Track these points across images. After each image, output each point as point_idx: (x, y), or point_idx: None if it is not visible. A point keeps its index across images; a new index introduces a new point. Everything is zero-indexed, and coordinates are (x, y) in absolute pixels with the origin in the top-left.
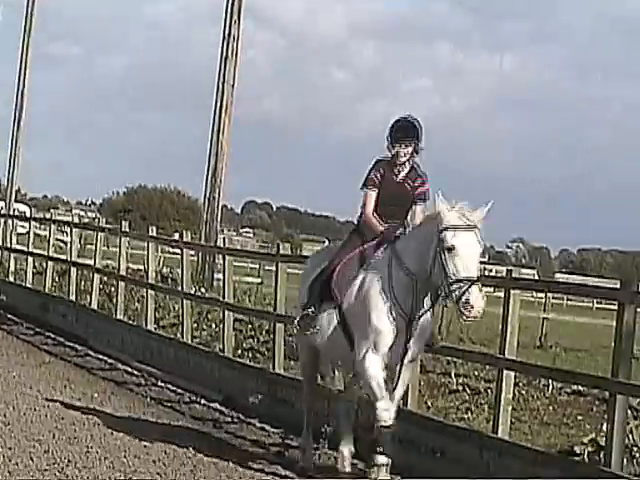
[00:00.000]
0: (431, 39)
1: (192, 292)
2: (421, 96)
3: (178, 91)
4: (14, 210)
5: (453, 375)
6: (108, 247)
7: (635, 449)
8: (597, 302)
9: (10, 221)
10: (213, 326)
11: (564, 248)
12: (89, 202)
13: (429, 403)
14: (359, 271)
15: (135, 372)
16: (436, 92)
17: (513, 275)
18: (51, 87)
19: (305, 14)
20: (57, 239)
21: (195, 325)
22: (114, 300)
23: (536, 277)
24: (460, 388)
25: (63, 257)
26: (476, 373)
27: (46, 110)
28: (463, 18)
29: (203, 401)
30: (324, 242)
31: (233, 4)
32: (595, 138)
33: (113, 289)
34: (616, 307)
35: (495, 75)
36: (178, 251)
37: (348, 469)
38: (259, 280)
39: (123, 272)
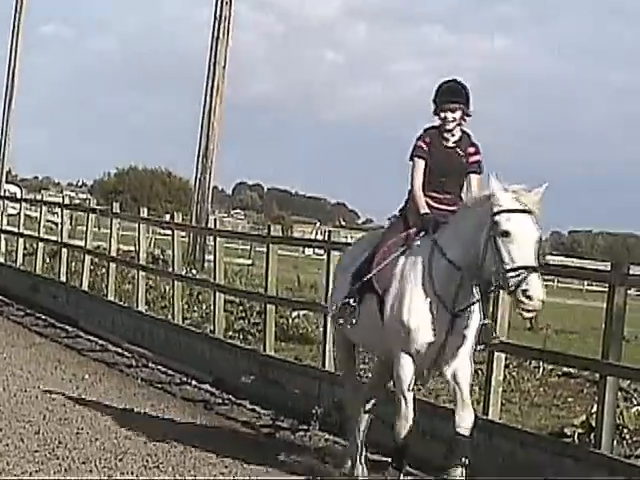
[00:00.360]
0: (422, 21)
1: (183, 273)
2: (412, 78)
3: (171, 72)
4: (5, 191)
5: None
6: (99, 228)
7: (625, 431)
8: (588, 284)
9: (1, 202)
10: (204, 307)
11: (555, 230)
12: (80, 183)
13: (419, 385)
14: (399, 259)
15: (126, 353)
16: (427, 74)
17: None
18: (42, 68)
19: None
20: (48, 220)
21: (186, 306)
22: (105, 281)
23: None
24: None
25: (54, 238)
26: None
27: (38, 91)
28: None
29: (194, 382)
30: (315, 224)
31: None
32: (590, 122)
33: (104, 270)
34: (607, 289)
35: (487, 57)
36: (169, 232)
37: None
38: (250, 261)
39: (114, 253)
